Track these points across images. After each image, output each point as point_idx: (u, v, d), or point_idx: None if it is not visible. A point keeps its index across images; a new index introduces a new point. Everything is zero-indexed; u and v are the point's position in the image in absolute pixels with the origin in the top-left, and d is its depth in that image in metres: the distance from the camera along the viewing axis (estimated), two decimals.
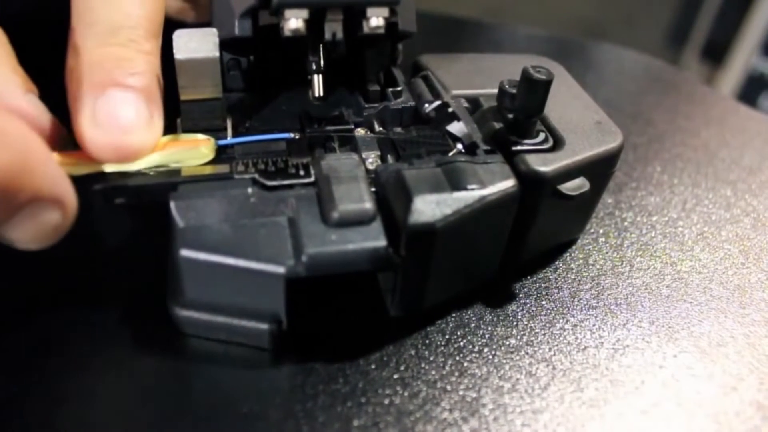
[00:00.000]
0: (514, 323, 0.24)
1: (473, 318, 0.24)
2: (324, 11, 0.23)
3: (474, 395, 0.21)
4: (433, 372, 0.22)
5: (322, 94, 0.25)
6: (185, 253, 0.19)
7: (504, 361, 0.22)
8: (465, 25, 0.49)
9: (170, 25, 0.23)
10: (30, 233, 0.18)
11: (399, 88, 0.26)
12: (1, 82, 0.19)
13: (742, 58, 1.19)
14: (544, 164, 0.23)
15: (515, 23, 0.52)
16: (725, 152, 0.36)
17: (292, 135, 0.23)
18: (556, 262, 0.27)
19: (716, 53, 1.26)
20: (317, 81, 0.25)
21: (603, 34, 1.45)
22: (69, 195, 0.19)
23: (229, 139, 0.23)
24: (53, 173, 0.18)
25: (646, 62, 0.47)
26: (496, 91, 0.24)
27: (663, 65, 0.47)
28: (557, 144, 0.24)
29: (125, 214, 0.26)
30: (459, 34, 0.48)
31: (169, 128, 0.22)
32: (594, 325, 0.24)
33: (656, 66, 0.46)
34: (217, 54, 0.22)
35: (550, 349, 0.23)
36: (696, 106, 0.41)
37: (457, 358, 0.22)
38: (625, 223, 0.30)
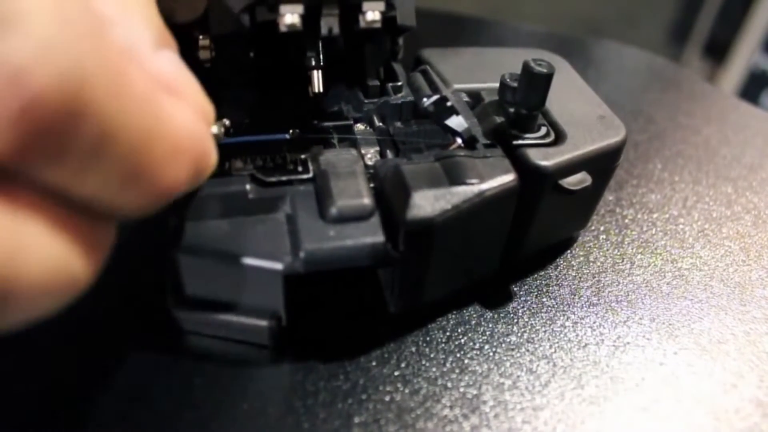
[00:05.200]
0: (515, 320, 0.24)
1: (474, 315, 0.24)
2: (319, 6, 0.23)
3: (475, 392, 0.21)
4: (434, 369, 0.22)
5: (321, 89, 0.24)
6: (183, 250, 0.19)
7: (504, 358, 0.22)
8: (466, 23, 0.49)
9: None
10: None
11: (399, 83, 0.26)
12: (129, 36, 0.15)
13: (744, 56, 1.18)
14: (546, 158, 0.23)
15: (517, 21, 0.52)
16: (726, 149, 0.36)
17: (287, 135, 0.23)
18: (557, 260, 0.27)
19: (718, 50, 1.26)
20: (316, 77, 0.24)
21: (604, 31, 1.45)
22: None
23: (224, 140, 0.23)
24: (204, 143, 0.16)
25: (647, 59, 0.47)
26: (497, 85, 0.24)
27: (664, 62, 0.47)
28: (559, 138, 0.24)
29: None
30: (460, 31, 0.48)
31: None
32: (594, 323, 0.24)
33: (658, 63, 0.46)
34: None
35: (550, 346, 0.23)
36: (697, 104, 0.41)
37: (458, 355, 0.22)
38: (626, 221, 0.30)
